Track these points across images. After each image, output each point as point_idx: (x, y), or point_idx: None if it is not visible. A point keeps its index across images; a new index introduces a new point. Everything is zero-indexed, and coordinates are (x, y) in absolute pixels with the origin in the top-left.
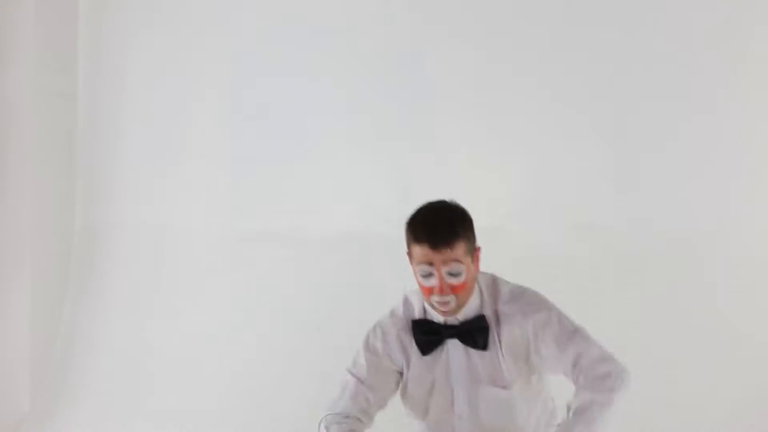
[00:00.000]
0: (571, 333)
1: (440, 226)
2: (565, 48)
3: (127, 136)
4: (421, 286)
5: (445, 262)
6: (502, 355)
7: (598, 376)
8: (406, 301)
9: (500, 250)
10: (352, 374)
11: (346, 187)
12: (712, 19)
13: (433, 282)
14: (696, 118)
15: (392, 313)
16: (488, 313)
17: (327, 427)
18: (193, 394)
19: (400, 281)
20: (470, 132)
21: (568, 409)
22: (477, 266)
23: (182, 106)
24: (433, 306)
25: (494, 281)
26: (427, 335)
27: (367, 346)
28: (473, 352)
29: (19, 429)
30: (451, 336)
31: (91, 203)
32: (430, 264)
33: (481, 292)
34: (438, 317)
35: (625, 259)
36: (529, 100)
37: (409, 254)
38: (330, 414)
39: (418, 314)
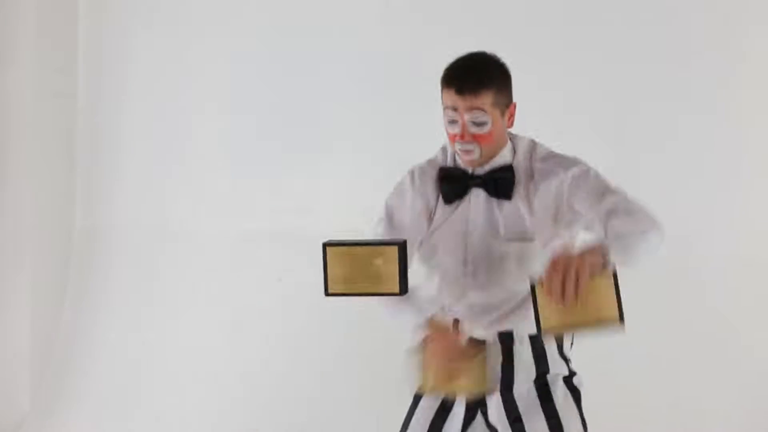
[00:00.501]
0: (608, 187)
1: (469, 73)
2: (566, 48)
3: (127, 136)
4: (447, 133)
5: (468, 109)
6: (526, 208)
7: (632, 217)
8: (444, 149)
9: None
10: (389, 221)
11: (346, 187)
12: (712, 19)
13: (457, 129)
14: (695, 118)
15: (429, 160)
16: (519, 166)
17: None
18: (192, 394)
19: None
20: None
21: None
22: (510, 122)
23: (182, 107)
24: (457, 153)
25: (533, 142)
26: (453, 182)
27: (407, 191)
28: (496, 204)
29: (19, 429)
30: (476, 185)
31: (91, 203)
32: (455, 109)
33: (514, 149)
34: (465, 165)
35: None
36: (527, 100)
37: (442, 100)
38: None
39: (449, 161)
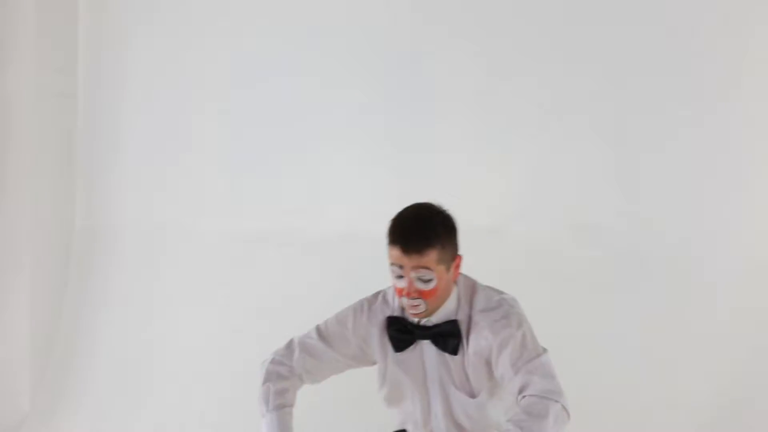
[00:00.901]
0: (528, 359)
1: (414, 232)
2: (565, 48)
3: (127, 136)
4: (395, 287)
5: (414, 268)
6: (470, 363)
7: (535, 413)
8: (385, 295)
9: (500, 250)
10: (321, 334)
11: (346, 187)
12: (712, 19)
13: (403, 284)
14: (696, 118)
15: (383, 299)
16: (462, 318)
17: (267, 374)
18: (192, 394)
19: None
20: (470, 132)
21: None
22: (456, 273)
23: (182, 106)
24: (404, 306)
25: (473, 288)
26: (401, 333)
27: (350, 318)
28: (448, 359)
29: (19, 429)
30: (424, 337)
31: (91, 203)
32: (401, 267)
33: (459, 297)
34: (410, 317)
35: (625, 259)
36: (529, 101)
37: (388, 253)
38: (277, 361)
39: (396, 311)
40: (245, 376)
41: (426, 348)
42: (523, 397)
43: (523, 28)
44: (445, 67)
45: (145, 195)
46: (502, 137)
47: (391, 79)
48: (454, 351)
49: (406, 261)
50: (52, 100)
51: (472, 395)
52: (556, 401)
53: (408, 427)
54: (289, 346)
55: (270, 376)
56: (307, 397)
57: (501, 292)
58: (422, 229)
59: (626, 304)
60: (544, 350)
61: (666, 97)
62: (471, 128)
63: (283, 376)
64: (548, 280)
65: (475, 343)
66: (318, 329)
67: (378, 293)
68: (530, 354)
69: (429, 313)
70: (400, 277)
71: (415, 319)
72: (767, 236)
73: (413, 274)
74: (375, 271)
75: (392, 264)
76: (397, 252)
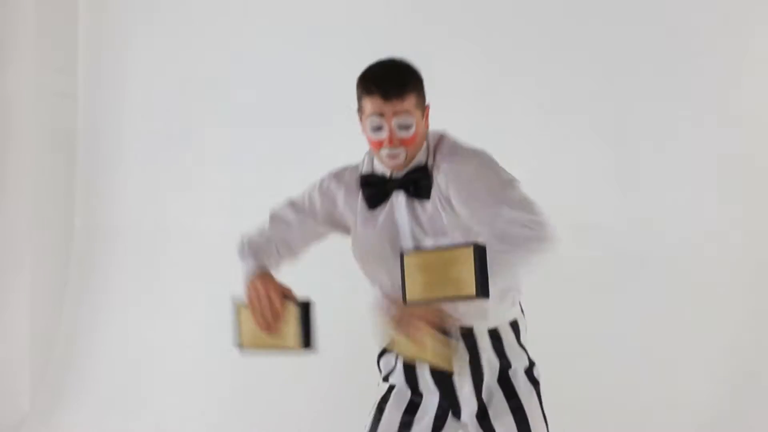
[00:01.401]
0: (504, 185)
1: (391, 78)
2: (565, 48)
3: (127, 136)
4: (370, 141)
5: (396, 114)
6: (441, 204)
7: (518, 235)
8: (364, 158)
9: None
10: (294, 206)
11: None
12: (712, 19)
13: (383, 135)
14: (696, 118)
15: (350, 166)
16: (431, 164)
17: (242, 242)
18: (192, 393)
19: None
20: (469, 132)
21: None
22: (426, 123)
23: (182, 107)
24: (382, 160)
25: (442, 137)
26: (375, 188)
27: (316, 187)
28: (417, 204)
29: (19, 429)
30: (395, 188)
31: (91, 203)
32: (381, 115)
33: (428, 146)
34: (383, 170)
35: (625, 259)
36: (529, 100)
37: (360, 109)
38: (250, 233)
39: (365, 169)
40: (245, 375)
41: (396, 201)
42: (506, 222)
43: (523, 28)
44: (445, 67)
45: (145, 195)
46: (502, 137)
47: None
48: (426, 195)
49: (387, 108)
50: (52, 100)
51: (444, 234)
52: (532, 227)
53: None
54: (260, 223)
55: (242, 244)
56: (307, 400)
57: (472, 146)
58: (399, 75)
59: (626, 304)
60: (511, 179)
61: (666, 98)
62: (471, 128)
63: (257, 242)
64: (548, 280)
65: (446, 185)
66: (289, 199)
67: (336, 169)
68: (506, 181)
69: (407, 162)
70: (379, 128)
71: (388, 172)
72: (767, 236)
73: (395, 121)
74: None
75: (370, 115)
76: (376, 101)
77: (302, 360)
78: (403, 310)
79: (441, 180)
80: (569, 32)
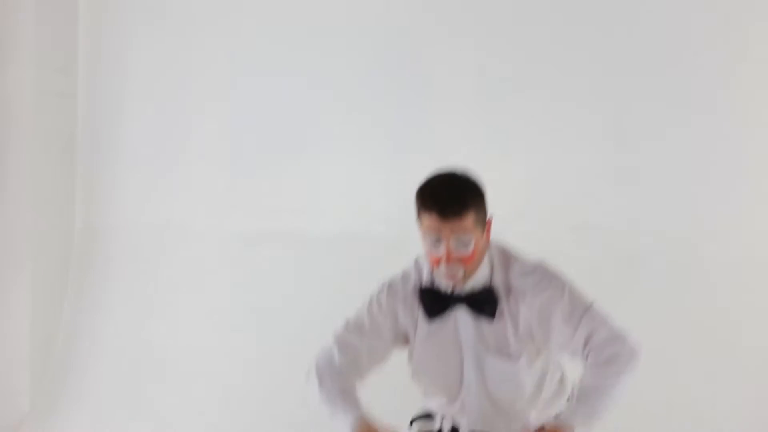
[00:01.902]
0: (581, 312)
1: (450, 196)
2: (565, 48)
3: (127, 136)
4: (429, 255)
5: (453, 232)
6: (510, 327)
7: (606, 358)
8: (417, 265)
9: None
10: (358, 330)
11: (346, 187)
12: (712, 19)
13: (441, 251)
14: (696, 118)
15: (403, 275)
16: (498, 283)
17: (319, 377)
18: (192, 393)
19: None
20: (470, 132)
21: (572, 394)
22: (488, 237)
23: (182, 106)
24: (440, 276)
25: (506, 253)
26: (435, 301)
27: (374, 303)
28: (482, 322)
29: (19, 429)
30: (459, 304)
31: (91, 203)
32: (438, 233)
33: (491, 262)
34: (445, 286)
35: (625, 259)
36: (528, 100)
37: (419, 222)
38: (323, 366)
39: (425, 281)
40: (245, 374)
41: (460, 316)
42: (590, 349)
43: (522, 28)
44: (445, 67)
45: (145, 195)
46: (502, 137)
47: (391, 79)
48: (491, 314)
49: (444, 227)
50: (52, 100)
51: (510, 358)
52: (621, 342)
53: (434, 407)
54: (327, 350)
55: (324, 387)
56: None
57: (529, 257)
58: (458, 193)
59: (626, 304)
60: (593, 301)
61: (666, 98)
62: (471, 128)
63: (339, 381)
64: None
65: (516, 307)
66: (348, 323)
67: (388, 281)
68: (581, 307)
69: (465, 277)
70: (437, 245)
71: (449, 288)
72: (767, 236)
73: (452, 240)
74: (374, 270)
75: (428, 232)
76: (433, 219)
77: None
78: None
79: (524, 304)
80: (569, 32)
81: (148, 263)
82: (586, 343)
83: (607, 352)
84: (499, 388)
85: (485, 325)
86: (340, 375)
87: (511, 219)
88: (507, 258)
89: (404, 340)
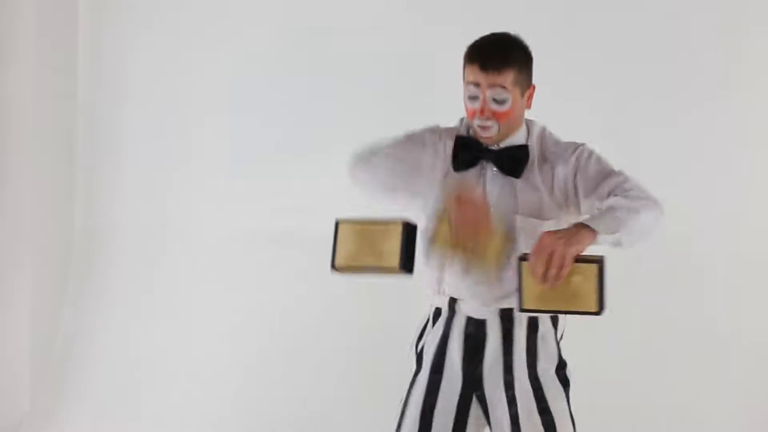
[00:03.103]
0: (611, 170)
1: (494, 50)
2: (565, 47)
3: (127, 136)
4: (466, 109)
5: (491, 86)
6: (544, 190)
7: (634, 195)
8: (462, 120)
9: None
10: (387, 145)
11: (346, 187)
12: (711, 17)
13: (477, 104)
14: (695, 117)
15: (447, 127)
16: (533, 148)
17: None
18: (192, 393)
19: (399, 280)
20: None
21: (597, 210)
22: (529, 103)
23: (182, 106)
24: (474, 130)
25: (544, 128)
26: (466, 151)
27: (413, 135)
28: (512, 180)
29: (19, 429)
30: (489, 159)
31: (91, 203)
32: (477, 85)
33: (529, 131)
34: (481, 140)
35: (626, 259)
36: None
37: (463, 76)
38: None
39: (463, 131)
40: (245, 374)
41: (489, 172)
42: (618, 191)
43: (522, 27)
44: (445, 67)
45: (145, 195)
46: None
47: (390, 79)
48: (518, 173)
49: (483, 78)
50: (52, 100)
51: (541, 218)
52: (650, 194)
53: (439, 279)
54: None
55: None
56: (307, 399)
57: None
58: (502, 48)
59: (626, 304)
60: (620, 171)
61: (665, 96)
62: None
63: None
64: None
65: (552, 172)
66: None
67: (436, 127)
68: (612, 168)
69: (499, 138)
70: (475, 97)
71: (484, 143)
72: (767, 236)
73: (489, 93)
74: None
75: (468, 83)
76: (474, 69)
77: (302, 361)
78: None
79: (555, 167)
80: (568, 32)
81: (148, 263)
82: (608, 194)
83: (635, 193)
84: (514, 251)
85: (515, 185)
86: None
87: None
88: (546, 133)
89: (419, 179)
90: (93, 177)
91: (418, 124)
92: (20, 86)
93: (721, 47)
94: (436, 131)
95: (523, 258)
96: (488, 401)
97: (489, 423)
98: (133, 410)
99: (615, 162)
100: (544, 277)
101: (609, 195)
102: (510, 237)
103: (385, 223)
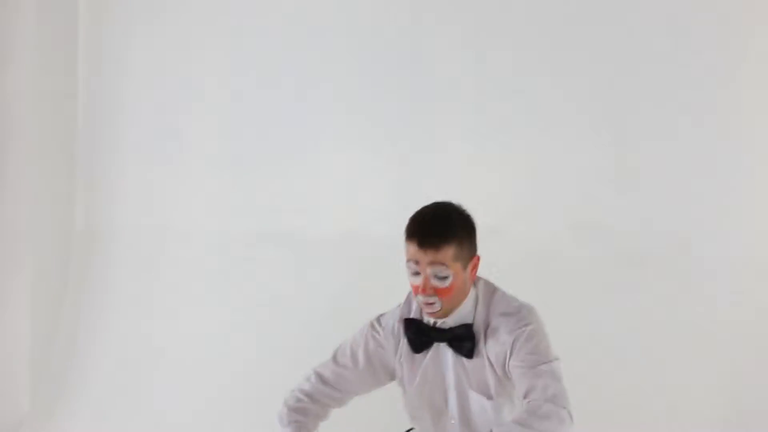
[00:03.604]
0: (541, 362)
1: (431, 227)
2: (565, 48)
3: (127, 136)
4: (411, 284)
5: (430, 264)
6: (488, 366)
7: (542, 413)
8: (408, 299)
9: (500, 250)
10: (338, 361)
11: (346, 187)
12: (712, 19)
13: (419, 281)
14: (696, 118)
15: (395, 309)
16: (479, 322)
17: (285, 400)
18: (192, 394)
19: (399, 281)
20: (470, 132)
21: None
22: (473, 274)
23: (182, 107)
24: (420, 305)
25: (493, 293)
26: (417, 335)
27: (367, 335)
28: (465, 362)
29: (19, 429)
30: (440, 340)
31: (91, 203)
32: (417, 263)
33: (477, 300)
34: (428, 319)
35: (625, 259)
36: (528, 100)
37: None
38: (295, 388)
39: (413, 314)
40: (245, 375)
41: (443, 351)
42: (528, 401)
43: (522, 28)
44: (445, 67)
45: (145, 195)
46: (502, 137)
47: (391, 79)
48: (469, 354)
49: (422, 256)
50: (52, 100)
51: (490, 397)
52: (563, 407)
53: (420, 429)
54: (308, 377)
55: (287, 401)
56: None
57: (519, 300)
58: (439, 225)
59: (626, 304)
60: (556, 358)
61: (666, 98)
62: (471, 128)
63: (300, 399)
64: (548, 280)
65: (494, 348)
66: (334, 355)
67: (378, 316)
68: (542, 358)
69: (444, 313)
70: (416, 273)
71: (431, 320)
72: (767, 236)
73: (429, 271)
74: (374, 270)
75: (408, 260)
76: (413, 247)
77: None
78: None
79: (498, 348)
80: (569, 32)
81: (147, 264)
82: (527, 392)
83: (546, 409)
84: (481, 424)
85: (466, 362)
86: (299, 401)
87: (511, 219)
88: (492, 297)
89: (389, 373)
90: (93, 177)
91: (418, 123)
92: (20, 86)
93: (724, 51)
94: (378, 326)
95: None
96: None
97: None
98: (133, 410)
99: (615, 162)
100: None
101: (527, 394)
102: None
103: None
